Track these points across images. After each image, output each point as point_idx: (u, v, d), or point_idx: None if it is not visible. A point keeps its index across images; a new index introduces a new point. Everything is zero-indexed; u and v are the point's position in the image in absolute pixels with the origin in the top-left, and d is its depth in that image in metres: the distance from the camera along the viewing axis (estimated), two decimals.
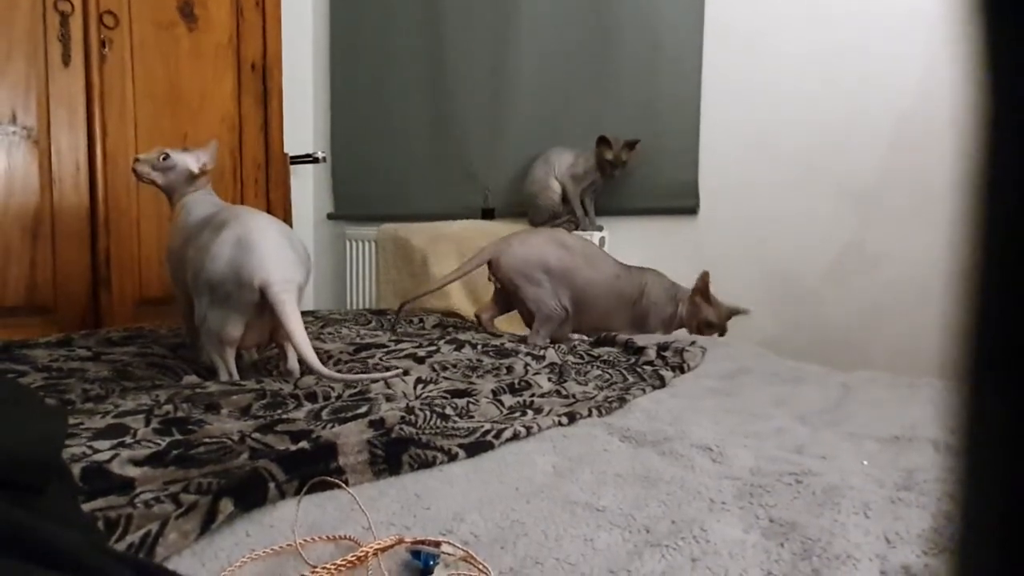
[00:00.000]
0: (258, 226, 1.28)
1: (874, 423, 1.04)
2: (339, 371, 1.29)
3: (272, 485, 0.70)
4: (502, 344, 1.62)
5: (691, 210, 2.24)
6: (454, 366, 1.38)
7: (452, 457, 0.84)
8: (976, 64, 0.16)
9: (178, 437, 0.90)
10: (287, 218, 2.62)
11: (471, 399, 1.10)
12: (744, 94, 2.16)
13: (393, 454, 0.80)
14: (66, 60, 2.03)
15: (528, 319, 1.82)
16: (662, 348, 1.55)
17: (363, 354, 1.49)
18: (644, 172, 2.27)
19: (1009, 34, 0.15)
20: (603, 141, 2.18)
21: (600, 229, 2.29)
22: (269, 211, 2.53)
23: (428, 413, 0.97)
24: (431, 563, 0.60)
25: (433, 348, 1.54)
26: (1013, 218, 0.16)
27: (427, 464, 0.81)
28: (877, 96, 1.96)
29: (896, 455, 0.90)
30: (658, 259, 2.31)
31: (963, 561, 0.17)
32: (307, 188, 2.99)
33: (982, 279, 0.16)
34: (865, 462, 0.86)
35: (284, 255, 1.27)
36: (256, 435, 0.89)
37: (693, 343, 1.59)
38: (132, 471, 0.76)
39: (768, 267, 2.15)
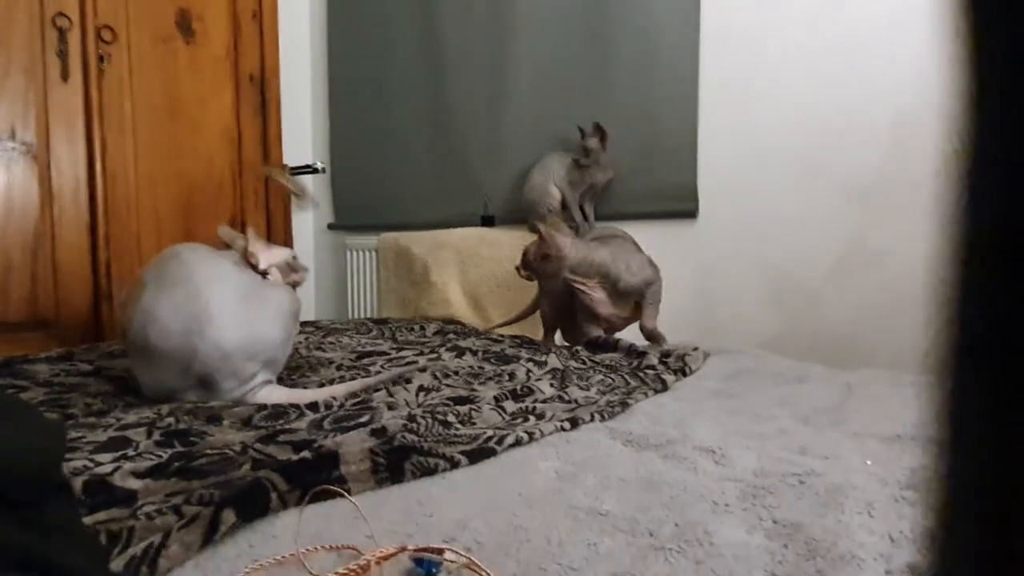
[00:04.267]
0: (219, 344, 1.14)
1: (877, 422, 1.03)
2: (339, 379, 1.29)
3: (274, 495, 0.70)
4: (503, 350, 1.62)
5: (690, 213, 2.24)
6: (456, 373, 1.37)
7: (454, 464, 0.83)
8: (958, 55, 0.16)
9: (180, 449, 0.90)
10: (287, 229, 2.62)
11: (473, 406, 1.10)
12: (742, 95, 2.16)
13: (395, 462, 0.80)
14: (65, 75, 2.03)
15: None
16: (664, 353, 1.55)
17: (364, 361, 1.49)
18: (642, 176, 2.28)
19: (991, 24, 0.15)
20: (579, 130, 2.18)
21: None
22: (268, 223, 2.54)
23: (430, 421, 0.97)
24: (434, 571, 0.60)
25: (434, 356, 1.54)
26: (993, 212, 0.16)
27: (429, 472, 0.81)
28: (876, 94, 1.97)
29: (900, 454, 0.89)
30: (659, 263, 2.31)
31: (943, 552, 0.17)
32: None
33: (962, 271, 0.16)
34: (869, 462, 0.86)
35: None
36: (258, 446, 0.89)
37: (695, 348, 1.59)
38: (134, 483, 0.76)
39: (769, 268, 2.14)
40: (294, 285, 1.39)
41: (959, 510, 0.17)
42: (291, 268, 1.39)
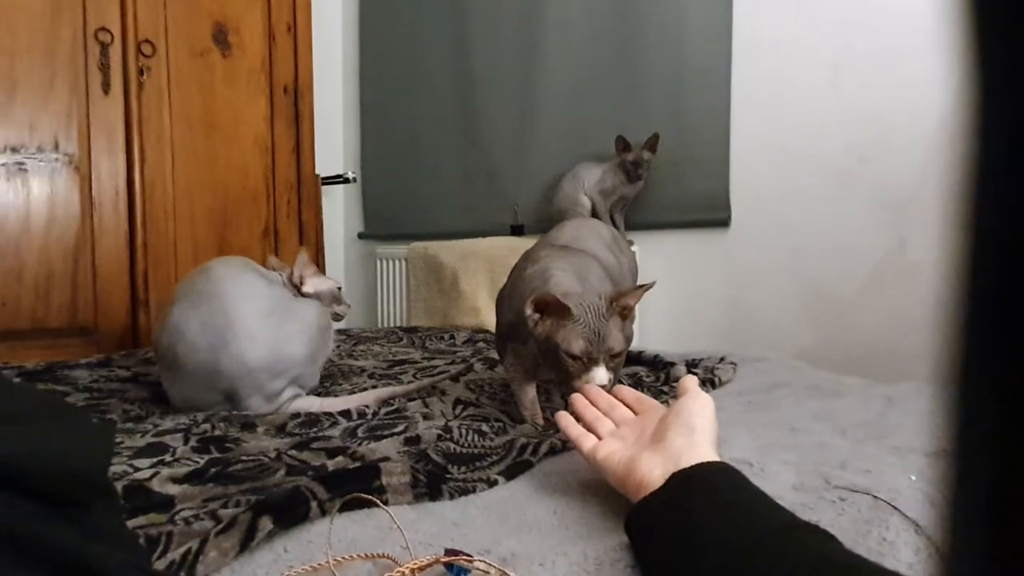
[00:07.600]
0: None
1: (920, 436, 1.01)
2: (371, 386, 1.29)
3: (314, 503, 0.70)
4: None
5: (723, 222, 2.22)
6: (490, 384, 1.37)
7: (492, 484, 0.83)
8: (964, 60, 0.16)
9: (216, 455, 0.91)
10: (319, 238, 2.65)
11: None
12: (775, 102, 2.14)
13: (434, 483, 0.79)
14: (106, 88, 2.08)
15: None
16: (691, 364, 1.52)
17: (396, 369, 1.50)
18: (674, 185, 2.26)
19: (998, 30, 0.15)
20: (620, 141, 2.18)
21: (631, 244, 2.27)
22: (301, 233, 2.57)
23: (465, 431, 0.97)
24: (462, 575, 0.60)
25: (466, 366, 1.53)
26: (1004, 215, 0.15)
27: (466, 492, 0.80)
28: (912, 101, 1.93)
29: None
30: (690, 274, 2.29)
31: (953, 564, 0.17)
32: (338, 208, 3.03)
33: (973, 276, 0.16)
34: (913, 477, 0.83)
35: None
36: (292, 452, 0.90)
37: (722, 359, 1.55)
38: (172, 489, 0.77)
39: (804, 279, 2.11)
40: (335, 318, 1.39)
41: (965, 516, 0.17)
42: (335, 299, 1.40)
